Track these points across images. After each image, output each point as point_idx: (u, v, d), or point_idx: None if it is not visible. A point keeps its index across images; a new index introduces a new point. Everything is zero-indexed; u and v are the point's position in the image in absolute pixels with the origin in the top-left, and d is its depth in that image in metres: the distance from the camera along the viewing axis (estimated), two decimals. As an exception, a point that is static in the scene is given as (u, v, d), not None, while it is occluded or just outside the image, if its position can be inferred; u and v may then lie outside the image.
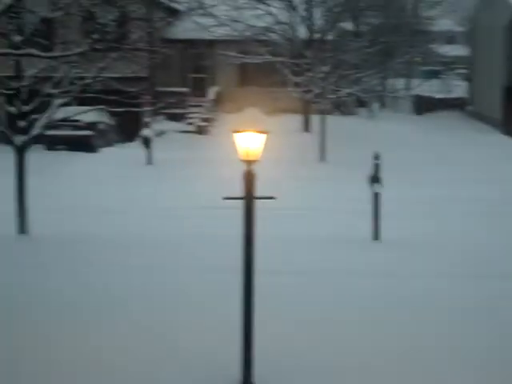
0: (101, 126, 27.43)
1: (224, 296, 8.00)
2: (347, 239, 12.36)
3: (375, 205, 12.31)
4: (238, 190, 5.96)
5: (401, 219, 14.41)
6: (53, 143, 26.13)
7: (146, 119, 26.10)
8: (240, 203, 5.99)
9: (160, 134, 27.91)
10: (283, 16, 27.74)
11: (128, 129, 27.72)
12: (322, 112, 25.85)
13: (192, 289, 8.84)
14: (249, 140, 5.96)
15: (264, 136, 6.02)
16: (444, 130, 32.08)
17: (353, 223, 13.81)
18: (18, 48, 11.47)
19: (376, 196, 12.32)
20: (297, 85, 26.90)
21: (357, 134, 28.24)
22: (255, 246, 6.00)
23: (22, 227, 12.46)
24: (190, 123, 30.53)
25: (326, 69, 25.91)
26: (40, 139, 18.33)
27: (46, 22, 14.02)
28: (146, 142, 24.65)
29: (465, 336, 7.16)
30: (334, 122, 27.73)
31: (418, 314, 7.92)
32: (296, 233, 13.14)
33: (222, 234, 11.53)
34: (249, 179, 5.97)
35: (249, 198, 5.97)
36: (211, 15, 27.10)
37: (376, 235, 12.27)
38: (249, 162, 5.98)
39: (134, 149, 25.93)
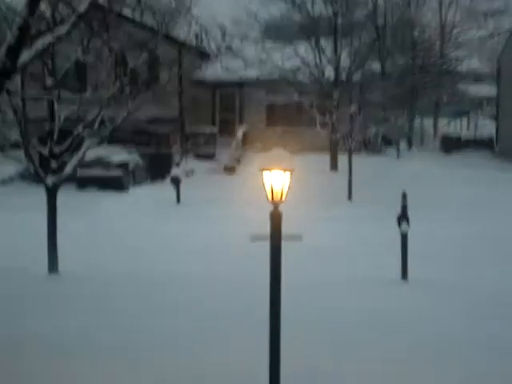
0: (131, 166, 27.79)
1: (247, 338, 8.02)
2: (375, 279, 12.34)
3: (403, 245, 12.29)
4: (266, 229, 6.03)
5: (428, 259, 14.34)
6: (83, 183, 26.51)
7: (175, 159, 26.40)
8: (267, 243, 6.04)
9: (189, 173, 28.20)
10: (310, 57, 28.09)
11: (157, 168, 28.06)
12: (349, 151, 25.95)
13: (223, 329, 8.87)
14: (275, 179, 6.03)
15: (290, 174, 6.08)
16: (471, 169, 31.91)
17: (381, 263, 13.78)
18: (50, 91, 11.76)
19: (404, 236, 12.31)
20: (324, 124, 27.10)
21: (384, 173, 28.24)
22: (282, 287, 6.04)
23: (53, 266, 12.63)
24: (218, 162, 30.81)
25: (353, 108, 26.09)
26: (71, 179, 18.65)
27: (78, 65, 14.38)
28: (175, 182, 24.91)
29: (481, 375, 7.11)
30: (361, 160, 27.79)
31: (445, 354, 7.87)
32: (322, 273, 13.14)
33: (250, 275, 11.59)
34: (275, 219, 6.03)
35: (276, 239, 6.03)
36: (240, 57, 27.52)
37: (404, 275, 12.23)
38: (275, 202, 6.05)
39: (164, 188, 26.19)
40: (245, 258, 13.59)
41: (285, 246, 6.08)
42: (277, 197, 6.04)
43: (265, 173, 6.00)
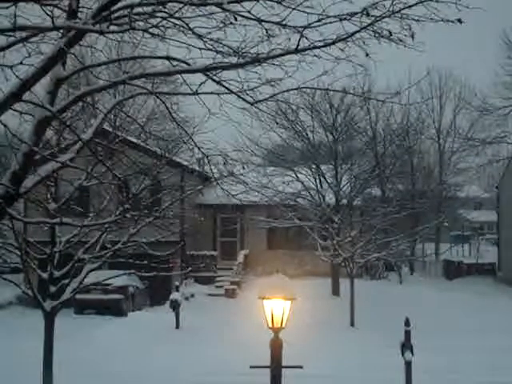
0: (130, 290, 27.56)
1: None
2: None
3: (407, 373, 11.96)
4: (265, 356, 5.90)
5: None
6: (82, 307, 26.20)
7: (175, 282, 26.23)
8: (267, 371, 5.90)
9: (189, 297, 27.92)
10: (311, 182, 28.50)
11: (157, 292, 27.82)
12: (351, 276, 25.78)
13: None
14: (275, 307, 5.97)
15: (290, 303, 6.03)
16: (473, 295, 31.62)
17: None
18: (53, 216, 11.84)
19: (408, 364, 12.00)
20: (325, 248, 27.10)
21: (386, 299, 27.94)
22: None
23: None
24: (219, 286, 30.57)
25: (354, 233, 26.17)
26: (69, 303, 18.45)
27: (81, 189, 14.56)
28: (175, 306, 24.61)
29: None
30: (363, 285, 27.57)
31: None
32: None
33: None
34: (276, 347, 5.92)
35: (276, 367, 5.89)
36: (241, 182, 27.93)
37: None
38: (276, 330, 5.96)
39: (163, 312, 25.84)
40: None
41: (285, 374, 5.92)
42: (277, 324, 5.96)
43: (265, 301, 5.95)
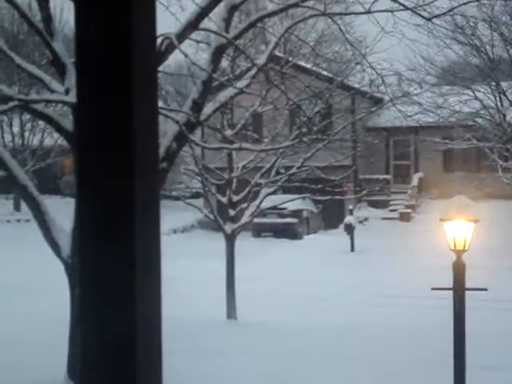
0: (305, 214, 28.03)
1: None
2: None
3: None
4: (445, 279, 5.78)
5: None
6: (259, 230, 27.06)
7: (349, 206, 26.32)
8: (449, 294, 5.79)
9: (362, 221, 27.96)
10: (491, 100, 27.09)
11: (331, 216, 28.09)
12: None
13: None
14: (458, 229, 5.80)
15: (473, 225, 5.84)
16: None
17: None
18: (230, 142, 12.19)
19: None
20: (506, 170, 25.88)
21: None
22: (466, 340, 5.74)
23: (231, 312, 12.89)
24: (393, 210, 30.29)
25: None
26: (247, 226, 19.11)
27: (255, 115, 14.83)
28: (349, 229, 24.77)
29: None
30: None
31: None
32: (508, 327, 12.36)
33: (425, 326, 11.16)
34: (458, 269, 5.78)
35: (459, 289, 5.76)
36: (416, 102, 27.10)
37: None
38: (458, 252, 5.81)
39: (337, 236, 26.12)
40: (427, 308, 13.11)
41: (467, 297, 5.78)
42: (459, 246, 5.80)
43: (447, 223, 5.79)
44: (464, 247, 5.84)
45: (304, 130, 12.61)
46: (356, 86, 19.10)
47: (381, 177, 31.52)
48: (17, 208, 30.81)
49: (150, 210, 1.33)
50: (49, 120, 7.75)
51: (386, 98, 21.10)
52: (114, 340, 1.26)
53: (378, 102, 25.83)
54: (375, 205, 30.65)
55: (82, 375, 1.28)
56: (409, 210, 29.95)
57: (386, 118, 30.21)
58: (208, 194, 14.31)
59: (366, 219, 28.77)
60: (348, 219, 25.40)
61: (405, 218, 29.52)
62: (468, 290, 5.79)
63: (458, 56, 29.07)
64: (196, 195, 18.76)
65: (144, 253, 1.29)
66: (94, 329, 1.27)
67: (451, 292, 5.76)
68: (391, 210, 30.33)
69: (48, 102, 8.77)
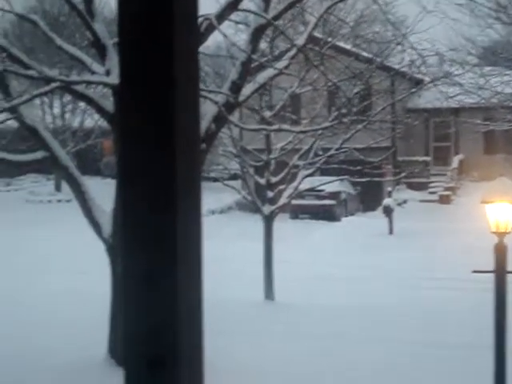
0: (343, 196, 27.92)
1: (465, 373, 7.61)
2: None
3: None
4: (486, 262, 5.71)
5: None
6: (296, 212, 27.04)
7: (388, 188, 26.13)
8: (489, 277, 5.73)
9: (401, 203, 27.73)
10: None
11: (369, 198, 27.92)
12: None
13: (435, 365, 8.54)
14: (500, 211, 5.73)
15: (516, 207, 5.75)
16: None
17: None
18: (268, 123, 12.17)
19: None
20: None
21: None
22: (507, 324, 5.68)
23: (269, 293, 12.94)
24: (432, 192, 29.99)
25: None
26: (285, 208, 19.11)
27: (294, 96, 14.75)
28: (387, 212, 24.60)
29: None
30: None
31: None
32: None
33: (465, 308, 11.06)
34: (500, 252, 5.71)
35: (501, 272, 5.69)
36: (456, 83, 26.70)
37: None
38: (500, 234, 5.73)
39: (375, 218, 25.98)
40: (469, 291, 13.00)
41: (510, 281, 5.71)
42: (501, 229, 5.72)
43: (489, 205, 5.72)
44: (506, 229, 5.76)
45: (343, 111, 12.51)
46: (396, 66, 18.87)
47: (420, 159, 31.19)
48: (57, 188, 31.28)
49: (191, 194, 1.33)
50: (89, 101, 7.83)
51: (427, 78, 20.88)
52: (155, 326, 1.27)
53: (418, 82, 25.50)
54: (414, 187, 30.37)
55: (125, 359, 1.30)
56: (448, 193, 29.64)
57: (426, 99, 29.84)
58: (246, 176, 14.34)
59: (404, 201, 28.51)
60: (386, 201, 25.22)
61: (444, 200, 29.22)
62: (510, 272, 5.73)
63: (501, 36, 28.53)
64: (234, 177, 18.80)
65: (185, 239, 1.29)
66: (137, 315, 1.28)
67: (492, 275, 5.70)
68: (430, 193, 30.04)
69: (89, 83, 8.84)
